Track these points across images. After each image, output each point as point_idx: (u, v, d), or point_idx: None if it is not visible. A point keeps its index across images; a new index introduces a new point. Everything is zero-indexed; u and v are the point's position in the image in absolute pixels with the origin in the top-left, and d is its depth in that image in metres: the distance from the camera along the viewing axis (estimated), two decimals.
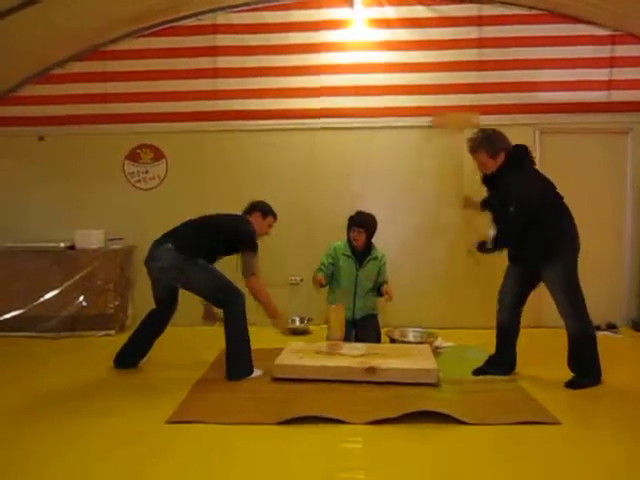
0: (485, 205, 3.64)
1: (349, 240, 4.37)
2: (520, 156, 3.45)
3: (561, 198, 3.43)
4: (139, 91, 5.31)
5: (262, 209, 3.87)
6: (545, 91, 5.11)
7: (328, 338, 3.85)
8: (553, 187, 3.45)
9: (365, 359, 3.47)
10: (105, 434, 2.70)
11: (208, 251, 3.58)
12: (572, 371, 3.41)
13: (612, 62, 5.06)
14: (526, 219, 3.30)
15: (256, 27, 5.20)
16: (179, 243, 3.50)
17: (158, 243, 3.55)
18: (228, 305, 3.52)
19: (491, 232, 3.46)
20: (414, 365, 3.38)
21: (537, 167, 3.54)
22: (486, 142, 3.43)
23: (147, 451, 2.51)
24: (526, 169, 3.43)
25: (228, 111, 5.26)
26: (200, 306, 3.85)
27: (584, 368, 3.39)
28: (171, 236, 3.57)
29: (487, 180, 3.53)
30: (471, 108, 3.78)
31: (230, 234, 3.63)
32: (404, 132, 5.18)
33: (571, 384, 3.35)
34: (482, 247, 3.44)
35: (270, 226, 3.94)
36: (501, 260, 3.68)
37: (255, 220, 3.79)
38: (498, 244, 3.40)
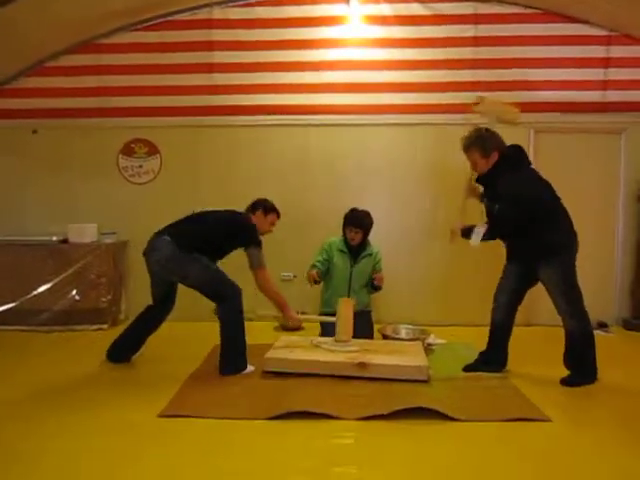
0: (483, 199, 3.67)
1: (345, 237, 4.37)
2: (517, 157, 3.46)
3: (558, 199, 3.45)
4: (133, 85, 5.29)
5: (264, 207, 3.88)
6: (540, 90, 5.12)
7: (336, 339, 3.76)
8: (550, 188, 3.46)
9: (356, 355, 3.48)
10: (97, 427, 2.69)
11: (207, 245, 3.54)
12: (568, 369, 3.42)
13: (607, 62, 5.09)
14: (512, 218, 3.31)
15: (252, 22, 5.19)
16: (178, 236, 3.49)
17: (158, 234, 3.55)
18: (224, 300, 3.51)
19: (479, 227, 3.45)
20: (404, 362, 3.39)
21: (532, 167, 3.55)
22: (478, 141, 3.45)
23: (139, 444, 2.51)
24: (523, 170, 3.44)
25: (223, 106, 5.25)
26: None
27: (581, 367, 3.41)
28: (172, 229, 3.57)
29: (483, 180, 3.54)
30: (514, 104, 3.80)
31: (229, 227, 3.63)
32: (399, 129, 5.20)
33: (567, 382, 3.36)
34: (466, 233, 3.43)
35: (273, 224, 3.94)
36: (496, 259, 3.70)
37: (258, 218, 3.80)
38: (483, 237, 3.38)
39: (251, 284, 3.61)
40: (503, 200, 3.32)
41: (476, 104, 3.68)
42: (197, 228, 3.61)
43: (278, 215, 3.97)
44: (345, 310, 3.77)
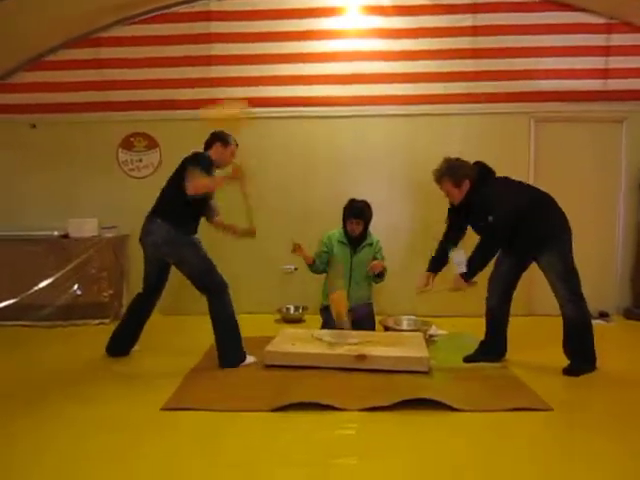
0: (450, 231, 3.75)
1: (345, 228, 4.37)
2: (481, 173, 3.53)
3: (539, 191, 3.52)
4: (132, 79, 5.27)
5: (221, 139, 3.73)
6: (540, 79, 5.10)
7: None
8: (526, 186, 3.60)
9: (357, 347, 3.49)
10: (100, 421, 2.71)
11: (184, 199, 3.49)
12: (568, 357, 3.44)
13: (608, 50, 5.05)
14: (507, 225, 3.37)
15: (250, 14, 5.16)
16: (162, 211, 3.54)
17: (149, 218, 3.60)
18: (212, 293, 3.54)
19: (456, 257, 3.54)
20: (405, 353, 3.39)
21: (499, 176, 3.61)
22: (449, 172, 3.52)
23: (142, 437, 2.53)
24: (491, 181, 3.52)
25: (222, 99, 5.22)
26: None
27: (581, 353, 3.42)
28: (157, 207, 3.61)
29: (459, 207, 3.60)
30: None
31: (183, 166, 3.56)
32: (398, 120, 5.18)
33: (570, 371, 3.37)
34: (467, 276, 3.48)
35: (233, 154, 3.80)
36: None
37: (216, 151, 3.70)
38: (483, 258, 3.45)
39: None
40: (490, 214, 3.37)
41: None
42: (169, 190, 3.61)
43: (236, 144, 3.82)
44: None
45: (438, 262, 3.78)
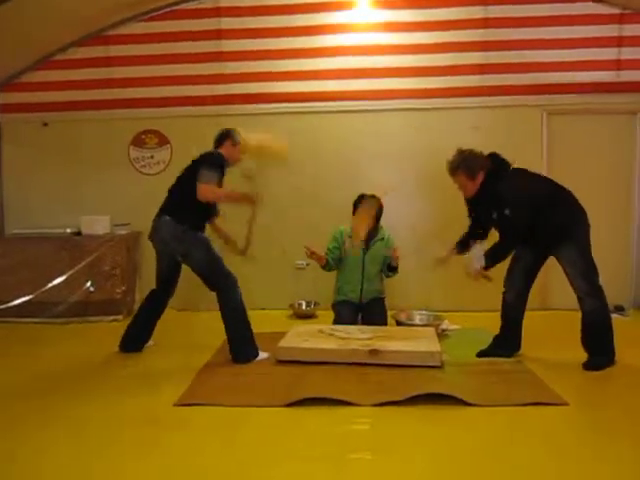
0: (475, 225, 3.71)
1: None
2: (496, 165, 3.49)
3: (555, 184, 3.48)
4: (142, 76, 5.29)
5: (232, 137, 3.73)
6: (552, 71, 5.03)
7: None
8: (543, 178, 3.56)
9: (369, 341, 3.48)
10: (114, 417, 2.72)
11: (192, 202, 3.48)
12: (587, 351, 3.40)
13: (620, 41, 4.98)
14: (524, 218, 3.34)
15: (260, 9, 5.15)
16: (171, 210, 3.56)
17: (158, 216, 3.62)
18: (222, 289, 3.54)
19: (476, 250, 3.52)
20: (417, 347, 3.38)
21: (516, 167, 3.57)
22: (464, 164, 3.48)
23: (156, 433, 2.54)
24: (506, 173, 3.48)
25: (232, 95, 5.23)
26: None
27: (600, 348, 3.38)
28: (166, 205, 3.63)
29: (473, 200, 3.58)
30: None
31: (195, 165, 3.56)
32: (409, 114, 5.15)
33: (590, 366, 3.33)
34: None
35: (242, 152, 3.78)
36: None
37: (226, 149, 3.69)
38: (502, 251, 3.43)
39: None
40: (507, 207, 3.34)
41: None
42: (177, 190, 3.63)
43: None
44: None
45: (463, 245, 3.72)
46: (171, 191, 3.68)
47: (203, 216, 3.69)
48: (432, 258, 3.80)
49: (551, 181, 3.56)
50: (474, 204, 3.61)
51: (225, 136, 3.73)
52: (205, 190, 3.43)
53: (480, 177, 3.46)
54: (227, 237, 3.93)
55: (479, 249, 3.52)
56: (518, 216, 3.33)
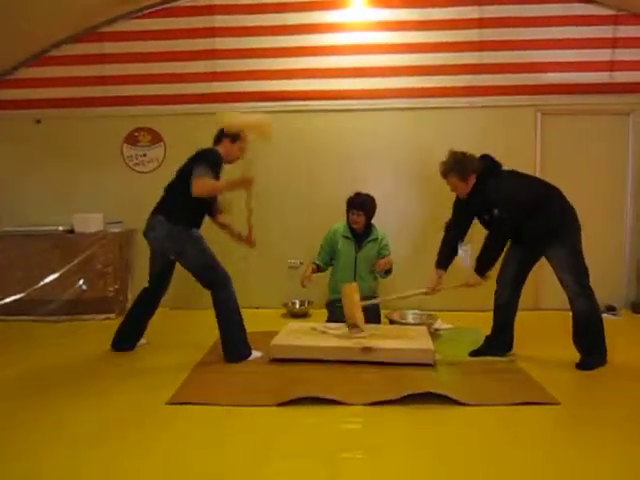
0: (457, 223, 3.71)
1: (348, 222, 4.36)
2: (488, 166, 3.51)
3: (547, 184, 3.50)
4: (136, 73, 5.27)
5: (230, 134, 3.69)
6: (547, 72, 5.05)
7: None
8: (533, 179, 3.60)
9: (362, 339, 3.47)
10: (105, 415, 2.71)
11: (187, 200, 3.45)
12: (579, 351, 3.41)
13: (615, 42, 5.00)
14: (512, 219, 3.37)
15: (254, 7, 5.14)
16: (166, 209, 3.55)
17: (153, 214, 3.61)
18: (216, 287, 3.53)
19: (462, 251, 3.58)
20: (410, 345, 3.39)
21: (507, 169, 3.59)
22: (456, 166, 3.50)
23: (147, 432, 2.53)
24: (497, 174, 3.50)
25: (226, 93, 5.22)
26: None
27: (592, 347, 3.40)
28: (161, 204, 3.62)
29: (465, 201, 3.60)
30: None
31: (191, 163, 3.53)
32: (404, 113, 5.15)
33: (583, 365, 3.35)
34: (480, 271, 3.46)
35: (241, 149, 3.74)
36: None
37: (224, 147, 3.67)
38: (493, 252, 3.44)
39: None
40: (496, 207, 3.36)
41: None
42: (174, 187, 3.60)
43: (246, 139, 3.76)
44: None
45: (446, 257, 3.74)
46: (166, 190, 3.67)
47: (198, 215, 3.67)
48: (426, 288, 3.76)
49: (541, 181, 3.59)
50: (466, 204, 3.61)
51: (222, 134, 3.71)
52: (200, 185, 3.39)
53: (472, 179, 3.49)
54: (237, 233, 3.85)
55: (464, 249, 3.54)
56: (506, 217, 3.35)
